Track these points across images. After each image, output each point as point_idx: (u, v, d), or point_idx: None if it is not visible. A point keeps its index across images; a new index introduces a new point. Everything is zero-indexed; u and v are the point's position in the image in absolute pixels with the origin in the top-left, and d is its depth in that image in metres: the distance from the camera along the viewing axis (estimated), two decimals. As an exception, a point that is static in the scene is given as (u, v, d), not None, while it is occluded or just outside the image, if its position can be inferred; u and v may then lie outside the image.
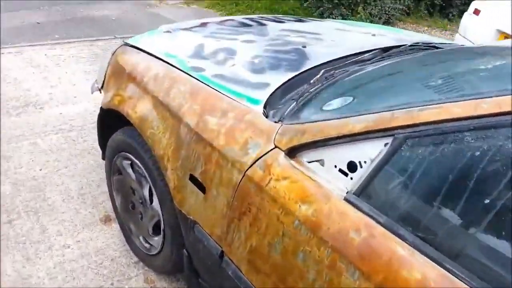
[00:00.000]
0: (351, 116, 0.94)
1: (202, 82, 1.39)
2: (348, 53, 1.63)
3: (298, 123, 1.08)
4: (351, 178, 0.94)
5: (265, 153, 1.09)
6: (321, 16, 5.86)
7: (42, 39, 3.96)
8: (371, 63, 1.54)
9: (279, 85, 1.34)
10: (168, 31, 1.94)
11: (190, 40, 1.78)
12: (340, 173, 0.96)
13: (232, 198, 1.14)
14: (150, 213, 1.63)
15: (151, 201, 1.61)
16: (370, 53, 1.65)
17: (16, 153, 2.41)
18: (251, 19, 2.19)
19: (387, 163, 0.84)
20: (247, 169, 1.09)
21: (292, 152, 1.06)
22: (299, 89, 1.35)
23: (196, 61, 1.55)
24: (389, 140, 0.85)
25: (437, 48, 1.82)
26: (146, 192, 1.62)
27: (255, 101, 1.25)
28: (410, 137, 0.82)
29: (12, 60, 3.51)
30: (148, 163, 1.53)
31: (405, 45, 1.79)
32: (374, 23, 5.87)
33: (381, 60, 1.56)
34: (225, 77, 1.42)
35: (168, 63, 1.54)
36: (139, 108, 1.49)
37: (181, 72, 1.47)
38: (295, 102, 1.23)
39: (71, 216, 2.03)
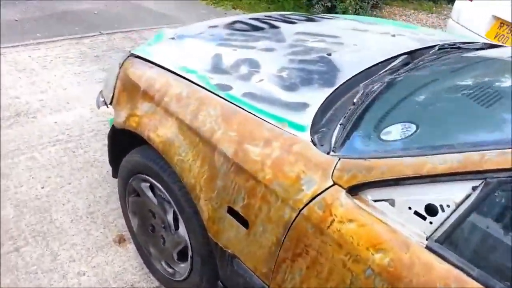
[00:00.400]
0: (429, 154, 0.87)
1: (232, 103, 1.29)
2: (377, 61, 1.55)
3: (360, 158, 0.99)
4: (431, 223, 0.86)
5: (323, 191, 1.00)
6: (310, 2, 5.71)
7: (24, 39, 3.70)
8: (406, 71, 1.47)
9: (319, 105, 1.25)
10: (174, 38, 1.81)
11: (203, 49, 1.66)
12: (416, 216, 0.89)
13: (283, 236, 1.06)
14: (175, 239, 1.54)
15: (176, 226, 1.52)
16: (399, 58, 1.58)
17: (14, 170, 2.25)
18: (259, 20, 2.06)
19: (477, 209, 0.78)
20: (303, 208, 1.01)
21: (354, 189, 0.98)
22: (339, 108, 1.27)
23: (219, 77, 1.44)
24: (477, 183, 0.79)
25: (461, 48, 1.76)
26: (170, 218, 1.53)
27: (299, 127, 1.16)
28: (506, 182, 0.75)
29: (-6, 63, 3.27)
30: (173, 189, 1.43)
31: (431, 47, 1.72)
32: (363, 8, 5.77)
33: (416, 68, 1.49)
34: (256, 96, 1.32)
35: (188, 79, 1.42)
36: (162, 132, 1.37)
37: (207, 91, 1.36)
38: (342, 127, 1.14)
39: (82, 239, 1.92)
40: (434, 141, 0.93)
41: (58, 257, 1.82)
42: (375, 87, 1.32)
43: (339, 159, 1.02)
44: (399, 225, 0.88)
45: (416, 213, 0.89)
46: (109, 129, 1.81)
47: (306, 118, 1.20)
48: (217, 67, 1.51)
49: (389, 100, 1.22)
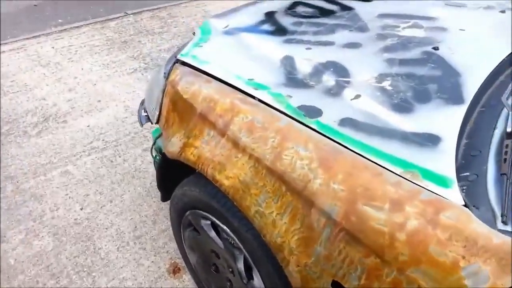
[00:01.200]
0: None
1: (329, 138, 0.94)
2: (502, 54, 1.15)
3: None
4: None
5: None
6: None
7: (45, 27, 3.40)
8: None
9: (456, 138, 0.89)
10: (228, 32, 1.44)
11: (268, 50, 1.29)
12: None
13: None
14: (247, 289, 1.26)
15: (249, 276, 1.23)
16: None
17: (48, 189, 2.01)
18: (324, -2, 1.66)
19: None
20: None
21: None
22: (482, 140, 0.90)
23: (299, 93, 1.08)
24: None
25: None
26: (241, 266, 1.24)
27: (439, 180, 0.81)
28: None
29: (16, 59, 3.00)
30: (247, 238, 1.13)
31: None
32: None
33: None
34: (359, 125, 0.96)
35: (260, 101, 1.08)
36: (231, 172, 1.05)
37: (289, 118, 1.01)
38: (506, 179, 0.78)
39: (132, 272, 1.68)
40: None
41: (108, 296, 1.60)
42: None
43: (524, 242, 0.68)
44: None
45: None
46: (152, 144, 1.52)
47: (446, 162, 0.84)
48: (292, 78, 1.15)
49: None
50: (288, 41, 1.33)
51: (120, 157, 2.20)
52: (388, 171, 0.84)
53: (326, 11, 1.53)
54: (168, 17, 3.69)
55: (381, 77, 1.11)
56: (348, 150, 0.90)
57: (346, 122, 0.97)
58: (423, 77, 1.09)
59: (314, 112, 1.01)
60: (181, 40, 3.32)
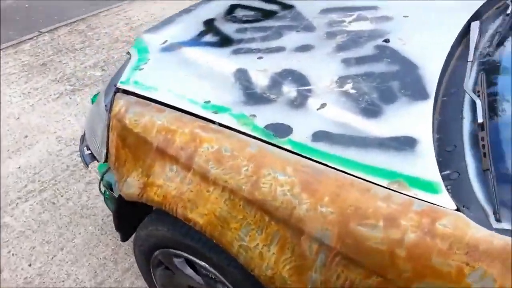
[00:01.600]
0: None
1: (306, 157, 0.88)
2: (451, 37, 1.16)
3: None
4: None
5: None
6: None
7: None
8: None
9: (432, 138, 0.87)
10: (167, 49, 1.32)
11: (217, 65, 1.20)
12: None
13: None
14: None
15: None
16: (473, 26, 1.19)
17: (-15, 249, 1.75)
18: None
19: None
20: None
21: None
22: (455, 136, 0.90)
23: (263, 111, 1.01)
24: None
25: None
26: (226, 300, 1.15)
27: (427, 186, 0.78)
28: None
29: None
30: (231, 272, 1.04)
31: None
32: None
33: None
34: (333, 138, 0.91)
35: (223, 125, 0.99)
36: (205, 209, 0.95)
37: (258, 141, 0.93)
38: (490, 174, 0.77)
39: (102, 324, 1.52)
40: None
41: None
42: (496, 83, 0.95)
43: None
44: None
45: None
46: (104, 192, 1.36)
47: (428, 166, 0.82)
48: (251, 94, 1.07)
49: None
50: (237, 52, 1.25)
51: (62, 196, 1.98)
52: (375, 185, 0.80)
53: (267, 13, 1.46)
54: (87, 29, 3.40)
55: (342, 80, 1.07)
56: (329, 168, 0.85)
57: (319, 136, 0.92)
58: (382, 74, 1.07)
59: (284, 130, 0.95)
60: (106, 53, 3.07)
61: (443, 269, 0.71)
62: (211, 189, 0.94)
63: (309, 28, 1.33)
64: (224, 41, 1.31)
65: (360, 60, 1.13)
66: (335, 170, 0.84)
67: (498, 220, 0.73)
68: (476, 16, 1.26)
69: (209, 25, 1.42)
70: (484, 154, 0.81)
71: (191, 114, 1.03)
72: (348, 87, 1.04)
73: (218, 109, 1.02)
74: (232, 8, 1.53)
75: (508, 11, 1.24)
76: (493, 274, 0.68)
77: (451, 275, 0.70)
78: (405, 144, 0.87)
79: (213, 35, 1.35)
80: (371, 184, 0.81)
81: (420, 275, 0.73)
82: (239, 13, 1.49)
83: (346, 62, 1.13)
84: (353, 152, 0.87)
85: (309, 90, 1.06)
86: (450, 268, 0.70)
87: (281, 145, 0.91)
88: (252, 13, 1.47)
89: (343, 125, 0.94)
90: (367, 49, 1.17)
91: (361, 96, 1.01)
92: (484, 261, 0.69)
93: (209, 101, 1.05)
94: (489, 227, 0.72)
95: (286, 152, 0.90)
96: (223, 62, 1.20)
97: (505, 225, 0.71)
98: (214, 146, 0.95)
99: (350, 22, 1.33)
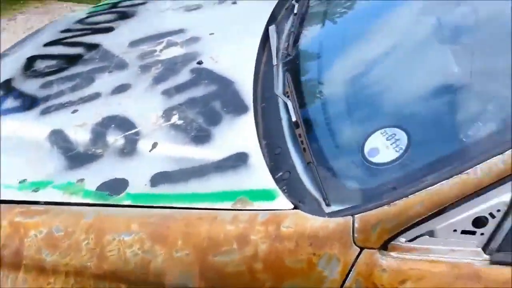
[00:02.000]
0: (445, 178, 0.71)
1: (148, 207, 0.84)
2: (255, 44, 1.25)
3: (375, 206, 0.74)
4: (482, 234, 0.73)
5: (352, 265, 0.75)
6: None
7: None
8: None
9: (260, 147, 0.92)
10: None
11: (26, 133, 1.06)
12: (463, 235, 0.74)
13: None
14: None
15: None
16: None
17: None
18: (62, 43, 1.47)
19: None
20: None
21: (384, 243, 0.76)
22: (277, 139, 0.97)
23: (90, 171, 0.92)
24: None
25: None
26: None
27: (266, 195, 0.81)
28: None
29: None
30: None
31: None
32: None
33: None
34: (172, 177, 0.88)
35: (49, 202, 0.87)
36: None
37: (93, 208, 0.85)
38: (314, 167, 0.85)
39: None
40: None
41: None
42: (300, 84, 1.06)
43: (353, 218, 0.76)
44: (450, 254, 0.73)
45: (464, 231, 0.75)
46: None
47: (262, 175, 0.86)
48: (74, 156, 0.97)
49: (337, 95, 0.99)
50: (46, 111, 1.12)
51: None
52: (221, 210, 0.81)
53: (72, 58, 1.35)
54: None
55: (167, 114, 1.05)
56: (176, 209, 0.83)
57: (157, 179, 0.89)
58: (204, 97, 1.09)
59: (119, 185, 0.88)
60: None
61: (297, 267, 0.75)
62: (52, 280, 0.82)
63: (121, 65, 1.27)
64: (29, 102, 1.16)
65: (179, 88, 1.13)
66: (182, 209, 0.83)
67: (328, 205, 0.80)
68: (271, 20, 1.39)
69: (6, 87, 1.25)
70: (304, 149, 0.89)
71: (7, 202, 0.88)
72: (175, 118, 1.03)
73: (38, 186, 0.90)
74: (31, 61, 1.37)
75: (295, 11, 1.39)
76: (336, 254, 0.75)
77: (304, 270, 0.75)
78: (239, 160, 0.90)
79: (14, 98, 1.19)
80: (217, 211, 0.81)
81: (279, 280, 0.76)
82: (40, 65, 1.34)
83: (167, 93, 1.12)
84: (195, 184, 0.87)
85: (137, 133, 1.01)
86: (302, 263, 0.75)
87: (119, 203, 0.85)
88: (54, 62, 1.34)
89: (179, 160, 0.93)
90: (184, 75, 1.18)
91: (189, 125, 1.01)
92: (326, 246, 0.75)
93: (24, 180, 0.91)
94: (323, 214, 0.79)
95: (127, 208, 0.84)
96: (32, 127, 1.07)
97: (334, 208, 0.79)
98: (43, 230, 0.83)
99: (161, 50, 1.33)
